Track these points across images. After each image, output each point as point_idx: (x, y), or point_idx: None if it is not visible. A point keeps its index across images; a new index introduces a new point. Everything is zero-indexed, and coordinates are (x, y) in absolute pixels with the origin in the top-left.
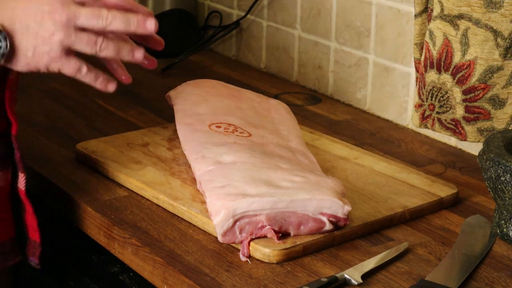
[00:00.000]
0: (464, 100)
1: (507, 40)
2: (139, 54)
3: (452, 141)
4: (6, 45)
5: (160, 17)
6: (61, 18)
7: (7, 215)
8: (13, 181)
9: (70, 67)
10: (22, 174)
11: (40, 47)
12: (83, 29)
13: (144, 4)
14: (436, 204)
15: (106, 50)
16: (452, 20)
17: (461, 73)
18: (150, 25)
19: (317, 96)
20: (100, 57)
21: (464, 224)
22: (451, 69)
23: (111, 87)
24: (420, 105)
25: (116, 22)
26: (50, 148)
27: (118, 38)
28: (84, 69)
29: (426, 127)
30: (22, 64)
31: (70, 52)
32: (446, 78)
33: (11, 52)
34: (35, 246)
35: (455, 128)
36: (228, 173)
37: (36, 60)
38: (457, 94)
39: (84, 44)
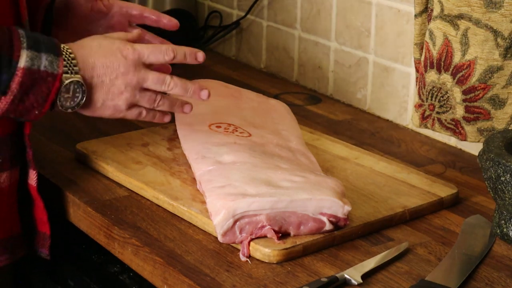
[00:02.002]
0: (464, 100)
1: (507, 40)
2: (187, 109)
3: (452, 141)
4: (83, 97)
5: None
6: (132, 80)
7: (14, 210)
8: (21, 178)
9: (131, 116)
10: (34, 172)
11: (108, 101)
12: (146, 89)
13: (144, 4)
14: (436, 204)
15: (162, 106)
16: (452, 20)
17: (461, 73)
18: (204, 94)
19: (317, 96)
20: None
21: (464, 224)
22: (451, 69)
23: (167, 119)
24: (420, 105)
25: (176, 89)
26: (50, 148)
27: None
28: (144, 113)
29: (426, 127)
30: (90, 111)
31: (132, 106)
32: (446, 78)
33: (85, 103)
34: (45, 238)
35: (455, 128)
36: (228, 173)
37: (102, 110)
38: (457, 94)
39: (145, 102)
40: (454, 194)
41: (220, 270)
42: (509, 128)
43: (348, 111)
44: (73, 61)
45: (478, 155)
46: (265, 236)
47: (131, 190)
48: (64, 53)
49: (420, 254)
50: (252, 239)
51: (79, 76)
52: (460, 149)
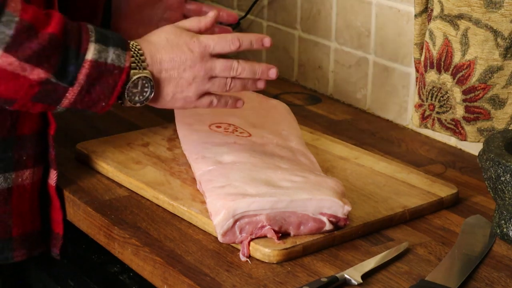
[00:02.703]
0: (464, 100)
1: (507, 40)
2: (261, 84)
3: (452, 141)
4: (152, 91)
5: None
6: (200, 71)
7: (35, 207)
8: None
9: (202, 105)
10: (54, 171)
11: (178, 94)
12: (215, 76)
13: None
14: (436, 204)
15: (234, 88)
16: (452, 20)
17: (461, 73)
18: (272, 74)
19: (317, 96)
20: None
21: (464, 224)
22: (451, 69)
23: (240, 104)
24: (420, 105)
25: (245, 72)
26: None
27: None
28: (215, 101)
29: (426, 127)
30: (160, 104)
31: (203, 94)
32: (446, 78)
33: (154, 97)
34: (58, 238)
35: (455, 128)
36: (228, 173)
37: (172, 102)
38: (457, 94)
39: (216, 88)
40: (454, 194)
41: (220, 270)
42: (509, 128)
43: (348, 111)
44: (141, 57)
45: (478, 155)
46: (265, 236)
47: (131, 190)
48: (132, 49)
49: (420, 254)
50: (252, 239)
51: (147, 71)
52: (460, 149)
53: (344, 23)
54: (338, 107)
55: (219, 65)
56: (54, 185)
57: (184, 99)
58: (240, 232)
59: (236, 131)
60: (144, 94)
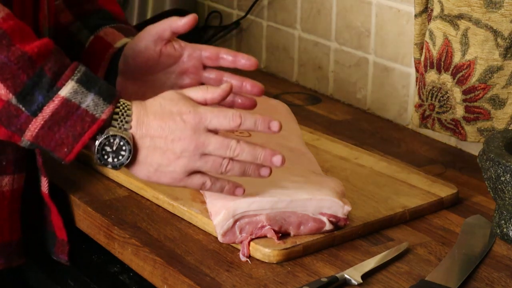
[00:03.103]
0: (464, 100)
1: (507, 40)
2: (265, 172)
3: (452, 141)
4: (128, 157)
5: (160, 17)
6: (190, 146)
7: (16, 217)
8: (35, 185)
9: (193, 185)
10: (45, 178)
11: (164, 167)
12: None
13: (145, 5)
14: (436, 204)
15: (231, 171)
16: (452, 20)
17: (461, 73)
18: (277, 161)
19: (317, 96)
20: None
21: (464, 224)
22: (451, 69)
23: (239, 192)
24: (420, 105)
25: (244, 155)
26: None
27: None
28: (208, 183)
29: (426, 127)
30: (142, 174)
31: (194, 172)
32: (446, 78)
33: (135, 164)
34: (63, 244)
35: (455, 128)
36: None
37: (158, 175)
38: (457, 94)
39: (208, 167)
40: (454, 194)
41: (220, 270)
42: (509, 128)
43: (348, 111)
44: (127, 117)
45: (478, 155)
46: (265, 236)
47: (131, 190)
48: (120, 106)
49: (420, 254)
50: (252, 239)
51: (127, 133)
52: (460, 149)
53: (344, 23)
54: (338, 107)
55: (214, 142)
56: (46, 192)
57: (171, 174)
58: (240, 232)
59: (236, 131)
60: (120, 157)
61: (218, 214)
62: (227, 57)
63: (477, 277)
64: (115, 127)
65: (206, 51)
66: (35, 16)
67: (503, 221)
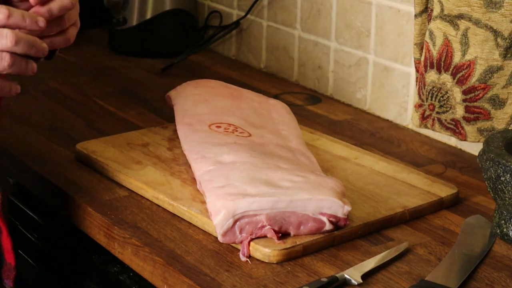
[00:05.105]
0: (464, 100)
1: (507, 40)
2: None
3: (452, 141)
4: None
5: (160, 17)
6: None
7: None
8: None
9: None
10: None
11: None
12: None
13: (144, 5)
14: (436, 204)
15: (15, 65)
16: (452, 20)
17: (461, 73)
18: (41, 22)
19: (317, 96)
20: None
21: (464, 224)
22: (451, 69)
23: (16, 89)
24: (420, 105)
25: (22, 43)
26: (50, 148)
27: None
28: None
29: (426, 127)
30: None
31: None
32: (446, 78)
33: None
34: (10, 269)
35: (455, 128)
36: (228, 173)
37: None
38: (457, 94)
39: None
40: (454, 194)
41: (220, 270)
42: (509, 128)
43: (348, 111)
44: None
45: (478, 155)
46: (265, 236)
47: (131, 190)
48: None
49: (420, 254)
50: (252, 239)
51: None
52: (460, 149)
53: (344, 23)
54: (338, 107)
55: None
56: None
57: None
58: (240, 232)
59: (236, 131)
60: None
61: (218, 214)
62: None
63: (477, 277)
64: None
65: None
66: None
67: (503, 221)
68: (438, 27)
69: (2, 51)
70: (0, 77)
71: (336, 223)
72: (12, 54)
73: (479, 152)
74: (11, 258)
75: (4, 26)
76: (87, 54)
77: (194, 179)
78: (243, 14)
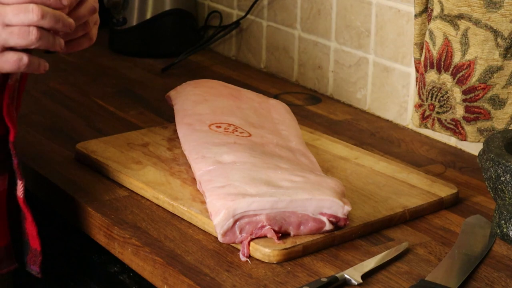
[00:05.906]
0: (464, 100)
1: (507, 40)
2: (61, 42)
3: (452, 141)
4: None
5: (160, 17)
6: None
7: (2, 222)
8: (13, 189)
9: (9, 63)
10: (20, 182)
11: None
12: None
13: (144, 5)
14: (436, 204)
15: (42, 40)
16: (452, 20)
17: (461, 73)
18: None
19: (317, 96)
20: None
21: (464, 224)
22: (451, 69)
23: (45, 67)
24: (420, 105)
25: (48, 18)
26: (50, 148)
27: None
28: (25, 59)
29: (426, 127)
30: None
31: (4, 49)
32: (446, 78)
33: None
34: (36, 255)
35: (455, 128)
36: (228, 173)
37: None
38: (457, 94)
39: (16, 38)
40: (454, 194)
41: (220, 270)
42: (509, 128)
43: (348, 111)
44: None
45: (478, 155)
46: (265, 236)
47: (131, 190)
48: None
49: (420, 254)
50: (252, 239)
51: None
52: (460, 149)
53: (344, 23)
54: (338, 107)
55: (11, 8)
56: (22, 196)
57: None
58: (240, 232)
59: (236, 131)
60: None
61: (218, 214)
62: None
63: (477, 277)
64: None
65: None
66: None
67: (503, 221)
68: (438, 27)
69: (29, 25)
70: (28, 53)
71: (336, 223)
72: (39, 28)
73: (479, 152)
74: (37, 243)
75: (30, 2)
76: (87, 54)
77: (194, 179)
78: (243, 14)
